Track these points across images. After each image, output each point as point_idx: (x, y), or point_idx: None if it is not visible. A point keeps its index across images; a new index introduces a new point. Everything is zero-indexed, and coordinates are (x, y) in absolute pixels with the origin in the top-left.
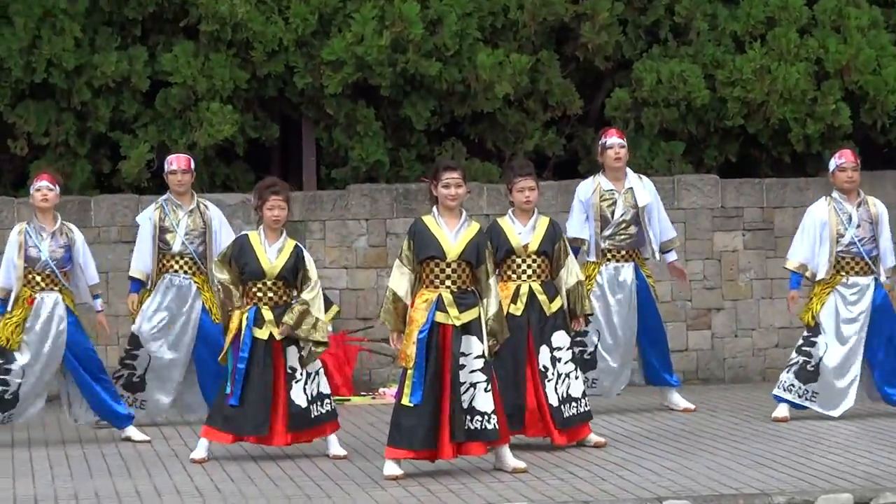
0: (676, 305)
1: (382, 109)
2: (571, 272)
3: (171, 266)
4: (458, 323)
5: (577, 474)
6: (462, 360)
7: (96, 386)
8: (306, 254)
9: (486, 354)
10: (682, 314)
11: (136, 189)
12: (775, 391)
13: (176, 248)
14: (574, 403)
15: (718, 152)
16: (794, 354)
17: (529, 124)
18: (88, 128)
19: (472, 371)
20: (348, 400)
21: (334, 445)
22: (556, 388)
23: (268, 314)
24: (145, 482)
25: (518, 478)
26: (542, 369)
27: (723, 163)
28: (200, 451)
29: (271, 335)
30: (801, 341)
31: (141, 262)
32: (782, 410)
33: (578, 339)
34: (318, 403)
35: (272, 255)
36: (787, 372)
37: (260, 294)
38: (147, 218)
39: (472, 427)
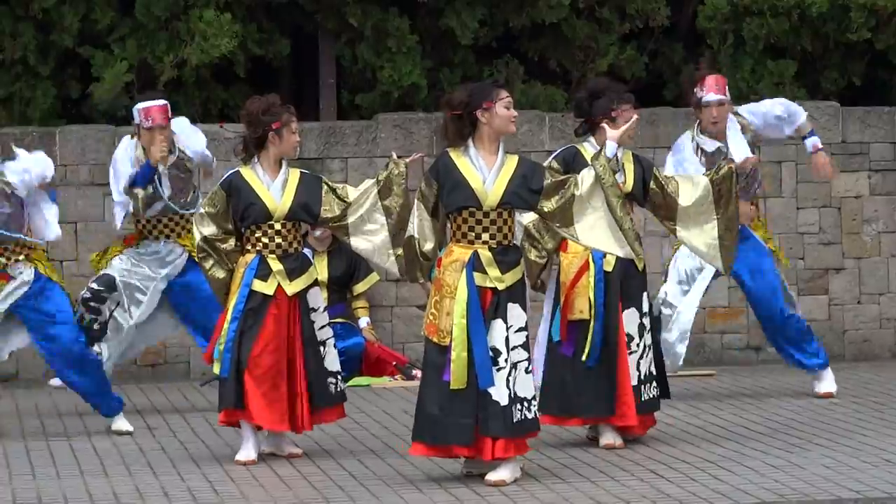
0: None
1: (419, 19)
2: None
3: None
4: (501, 286)
5: (661, 474)
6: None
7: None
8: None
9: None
10: (793, 276)
11: (111, 119)
12: None
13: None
14: None
15: (839, 74)
16: None
17: (603, 38)
18: (52, 42)
19: (514, 347)
20: (368, 385)
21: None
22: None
23: (276, 264)
24: (125, 482)
25: (587, 477)
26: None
27: (844, 87)
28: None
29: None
30: None
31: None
32: None
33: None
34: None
35: (276, 192)
36: None
37: (265, 240)
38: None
39: (516, 419)
